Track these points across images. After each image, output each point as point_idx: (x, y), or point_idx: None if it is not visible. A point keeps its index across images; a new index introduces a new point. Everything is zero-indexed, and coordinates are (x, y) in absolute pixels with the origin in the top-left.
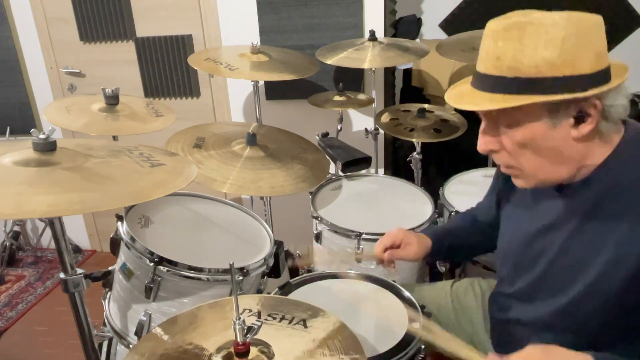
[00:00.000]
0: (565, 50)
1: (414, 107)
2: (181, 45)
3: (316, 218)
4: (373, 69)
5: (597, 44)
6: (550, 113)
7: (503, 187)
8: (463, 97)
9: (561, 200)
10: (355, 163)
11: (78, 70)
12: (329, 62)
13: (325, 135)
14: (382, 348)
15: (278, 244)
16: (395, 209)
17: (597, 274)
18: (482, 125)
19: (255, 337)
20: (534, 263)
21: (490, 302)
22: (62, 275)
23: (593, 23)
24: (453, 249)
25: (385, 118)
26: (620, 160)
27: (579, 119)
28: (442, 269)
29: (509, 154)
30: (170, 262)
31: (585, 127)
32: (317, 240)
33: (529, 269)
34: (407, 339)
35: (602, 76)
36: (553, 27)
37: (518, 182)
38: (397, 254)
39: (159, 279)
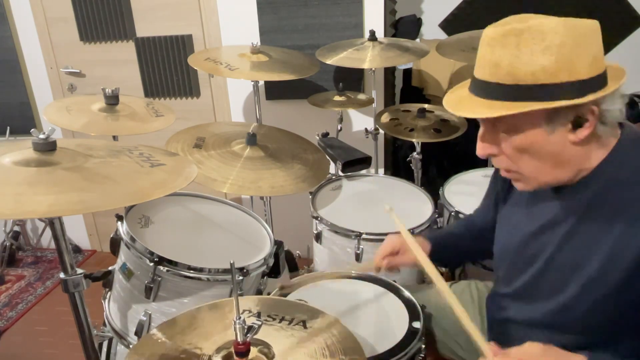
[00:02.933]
0: (562, 57)
1: (414, 107)
2: (181, 45)
3: (316, 218)
4: (373, 69)
5: (594, 49)
6: (548, 119)
7: (500, 189)
8: (461, 103)
9: (557, 202)
10: (355, 163)
11: (78, 70)
12: (329, 62)
13: (325, 135)
14: (382, 348)
15: (278, 244)
16: (395, 209)
17: (593, 274)
18: (481, 131)
19: (255, 337)
20: (530, 263)
21: (487, 302)
22: (62, 275)
23: (589, 28)
24: (452, 254)
25: (385, 118)
26: (615, 161)
27: (577, 124)
28: (442, 269)
29: (508, 159)
30: (170, 262)
31: (583, 132)
32: (317, 240)
33: (525, 269)
34: (407, 339)
35: (599, 81)
36: (549, 34)
37: (519, 185)
38: (395, 260)
39: (159, 279)
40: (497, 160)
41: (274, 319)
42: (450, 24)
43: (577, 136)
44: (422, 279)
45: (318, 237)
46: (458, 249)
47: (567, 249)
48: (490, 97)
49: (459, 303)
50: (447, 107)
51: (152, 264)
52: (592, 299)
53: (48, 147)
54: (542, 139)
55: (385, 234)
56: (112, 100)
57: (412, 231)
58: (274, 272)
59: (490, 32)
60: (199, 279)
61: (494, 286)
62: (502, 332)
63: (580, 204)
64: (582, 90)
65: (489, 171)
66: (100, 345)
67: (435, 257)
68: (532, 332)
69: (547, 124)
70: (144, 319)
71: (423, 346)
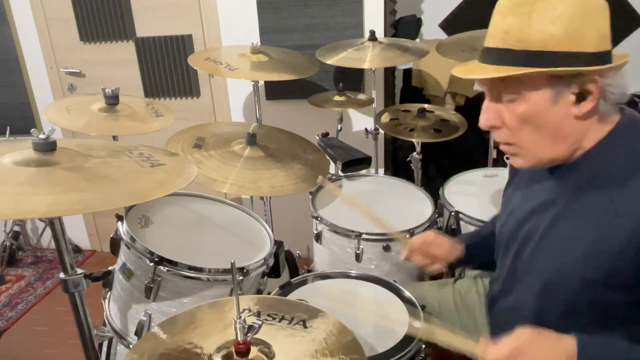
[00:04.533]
0: (571, 27)
1: (414, 107)
2: (181, 45)
3: (316, 218)
4: (373, 69)
5: (602, 26)
6: (552, 86)
7: (509, 177)
8: (471, 69)
9: (551, 182)
10: (355, 163)
11: (78, 70)
12: (329, 62)
13: (325, 135)
14: (382, 348)
15: (278, 244)
16: (395, 209)
17: (583, 255)
18: (485, 102)
19: (255, 336)
20: (524, 243)
21: (488, 291)
22: (62, 275)
23: (599, 4)
24: (485, 254)
25: (385, 118)
26: (611, 144)
27: (580, 98)
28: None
29: (509, 131)
30: (170, 262)
31: (586, 105)
32: (317, 240)
33: (518, 250)
34: (407, 339)
35: (605, 57)
36: (561, 5)
37: (516, 161)
38: (429, 248)
39: (159, 279)
40: (498, 132)
41: (274, 319)
42: (450, 24)
43: (580, 109)
44: (422, 278)
45: (318, 237)
46: (490, 247)
47: (558, 229)
48: (500, 63)
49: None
50: (456, 74)
51: (152, 264)
52: (582, 281)
53: (48, 147)
54: (545, 108)
55: (386, 234)
56: (112, 100)
57: (412, 231)
58: (274, 272)
59: (503, 2)
60: (199, 279)
61: (494, 273)
62: (498, 318)
63: (573, 185)
64: (587, 61)
65: (489, 171)
66: (100, 345)
67: (469, 258)
68: (527, 316)
69: (551, 91)
70: (144, 319)
71: (423, 346)
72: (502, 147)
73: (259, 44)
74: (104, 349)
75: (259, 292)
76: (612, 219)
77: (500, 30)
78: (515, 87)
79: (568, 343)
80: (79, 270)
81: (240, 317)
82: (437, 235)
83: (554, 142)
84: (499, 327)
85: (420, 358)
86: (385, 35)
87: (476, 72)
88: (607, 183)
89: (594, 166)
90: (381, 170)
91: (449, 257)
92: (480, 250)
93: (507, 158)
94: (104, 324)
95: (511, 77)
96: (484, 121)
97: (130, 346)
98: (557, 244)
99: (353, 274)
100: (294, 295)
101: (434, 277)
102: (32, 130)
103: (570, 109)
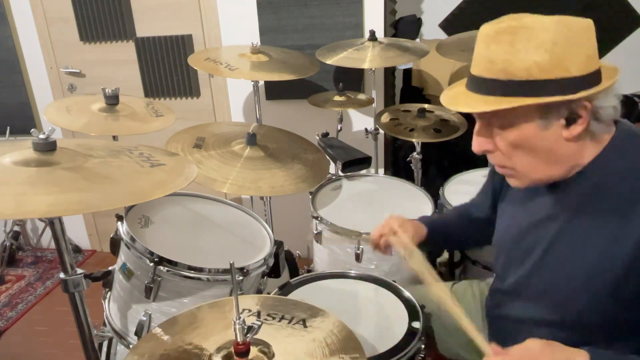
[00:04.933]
0: (555, 54)
1: (414, 107)
2: (181, 45)
3: (316, 218)
4: (373, 69)
5: (587, 48)
6: (541, 114)
7: (499, 185)
8: (457, 99)
9: (552, 196)
10: (355, 163)
11: (78, 70)
12: (329, 62)
13: (325, 135)
14: (382, 348)
15: (278, 244)
16: (395, 209)
17: (587, 269)
18: (476, 127)
19: (255, 337)
20: (525, 258)
21: (486, 299)
22: (62, 275)
23: (583, 27)
24: (447, 240)
25: (385, 118)
26: (609, 157)
27: (570, 120)
28: (442, 269)
29: (502, 155)
30: (170, 262)
31: (576, 128)
32: (317, 240)
33: (520, 264)
34: (407, 339)
35: (593, 78)
36: (543, 31)
37: (512, 182)
38: (391, 239)
39: (159, 279)
40: (492, 156)
41: (274, 318)
42: (450, 24)
43: (571, 132)
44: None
45: (318, 237)
46: (454, 236)
47: (561, 244)
48: (486, 93)
49: (458, 306)
50: (443, 103)
51: (152, 264)
52: (588, 294)
53: (48, 147)
54: (536, 134)
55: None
56: (112, 100)
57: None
58: (274, 272)
59: (485, 29)
60: (199, 279)
61: (492, 282)
62: (500, 329)
63: (574, 200)
64: (574, 87)
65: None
66: (100, 345)
67: (432, 242)
68: (530, 328)
69: (540, 120)
70: (144, 319)
71: (423, 346)
72: (498, 169)
73: (259, 44)
74: (104, 349)
75: (259, 292)
76: (617, 233)
77: (484, 59)
78: (503, 117)
79: (580, 357)
80: (79, 270)
81: (239, 318)
82: (401, 222)
83: (548, 164)
84: (500, 336)
85: (420, 358)
86: (385, 35)
87: (463, 103)
88: (609, 197)
89: (594, 181)
90: (381, 170)
91: (413, 242)
92: (442, 237)
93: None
94: (104, 324)
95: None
96: (476, 146)
97: (130, 346)
98: (562, 259)
99: (353, 274)
100: (293, 296)
101: None
102: (32, 130)
103: (561, 133)
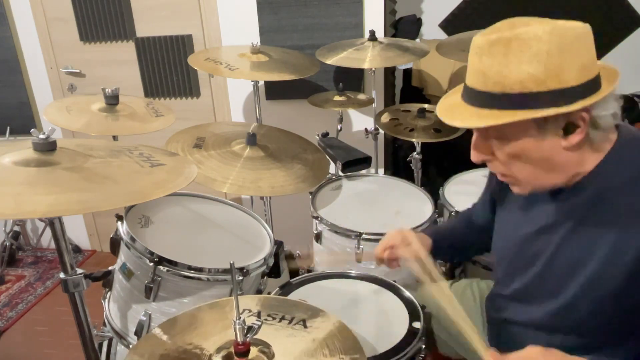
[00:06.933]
0: (549, 65)
1: (414, 107)
2: (181, 45)
3: (316, 218)
4: (373, 69)
5: (583, 55)
6: (538, 127)
7: (497, 190)
8: (453, 111)
9: (554, 204)
10: (355, 163)
11: (78, 70)
12: (329, 62)
13: (325, 135)
14: (382, 348)
15: (278, 244)
16: (395, 209)
17: (591, 276)
18: (474, 138)
19: (255, 337)
20: (529, 265)
21: (487, 302)
22: (62, 275)
23: (578, 34)
24: (452, 249)
25: (385, 118)
26: (612, 164)
27: (568, 130)
28: (442, 269)
29: (502, 164)
30: (170, 262)
31: (574, 138)
32: (317, 240)
33: (523, 271)
34: (407, 339)
35: (590, 86)
36: (537, 42)
37: (515, 189)
38: (396, 252)
39: (159, 279)
40: (492, 165)
41: (274, 319)
42: (450, 24)
43: (569, 142)
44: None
45: (318, 237)
46: (459, 244)
47: (565, 251)
48: (480, 106)
49: (461, 310)
50: (439, 115)
51: (152, 264)
52: (591, 301)
53: (48, 147)
54: (533, 145)
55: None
56: (112, 100)
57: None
58: (274, 272)
59: (478, 41)
60: (199, 279)
61: (493, 287)
62: (501, 333)
63: (577, 207)
64: (571, 98)
65: (489, 171)
66: (100, 345)
67: (437, 252)
68: (532, 333)
69: (537, 132)
70: (144, 319)
71: (423, 346)
72: (500, 178)
73: (259, 44)
74: (104, 349)
75: (259, 292)
76: (619, 241)
77: (478, 71)
78: (500, 130)
79: None
80: (79, 270)
81: (239, 318)
82: (404, 234)
83: (548, 172)
84: (500, 340)
85: (420, 358)
86: (385, 35)
87: (458, 117)
88: (613, 203)
89: (596, 190)
90: (381, 170)
91: (417, 255)
92: (447, 246)
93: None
94: (104, 324)
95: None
96: (474, 157)
97: (130, 346)
98: (567, 266)
99: (353, 274)
100: (294, 296)
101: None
102: (32, 130)
103: (559, 142)
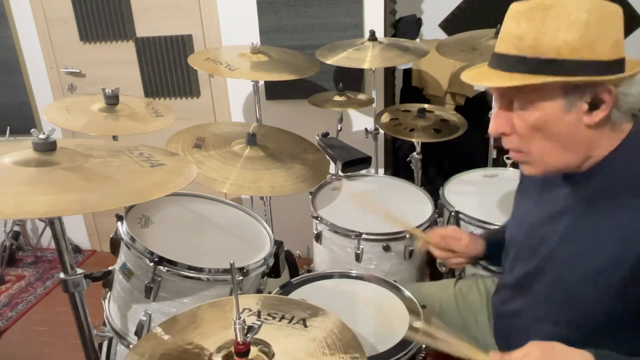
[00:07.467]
0: (586, 35)
1: (414, 107)
2: (181, 45)
3: (316, 218)
4: (373, 69)
5: (617, 33)
6: (565, 95)
7: (522, 175)
8: (481, 76)
9: (566, 189)
10: (355, 163)
11: (78, 70)
12: (329, 62)
13: (325, 135)
14: (382, 348)
15: (278, 244)
16: (395, 209)
17: (599, 265)
18: (496, 107)
19: (255, 336)
20: (535, 251)
21: (493, 297)
22: (62, 275)
23: (614, 11)
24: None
25: (385, 118)
26: (627, 152)
27: (593, 106)
28: (443, 269)
29: (519, 138)
30: (170, 262)
31: (599, 114)
32: (317, 240)
33: (529, 258)
34: (407, 339)
35: (619, 65)
36: (576, 11)
37: (526, 169)
38: (449, 243)
39: (159, 279)
40: (508, 140)
41: (274, 318)
42: (450, 24)
43: (592, 119)
44: (422, 278)
45: (318, 237)
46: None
47: (573, 238)
48: (511, 70)
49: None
50: (466, 80)
51: (152, 264)
52: (597, 291)
53: (48, 147)
54: (557, 117)
55: (386, 234)
56: (112, 100)
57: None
58: (274, 272)
59: (516, 6)
60: (199, 279)
61: (500, 278)
62: (506, 326)
63: (588, 194)
64: (602, 70)
65: (489, 171)
66: (100, 345)
67: (490, 256)
68: (536, 324)
69: (563, 101)
70: (144, 319)
71: (423, 346)
72: (512, 155)
73: (259, 44)
74: (104, 349)
75: (259, 292)
76: (627, 232)
77: (513, 36)
78: (528, 95)
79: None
80: (79, 270)
81: (239, 318)
82: (456, 230)
83: (564, 150)
84: (506, 333)
85: (421, 358)
86: (385, 35)
87: (488, 79)
88: (624, 193)
89: (609, 175)
90: (381, 170)
91: (468, 252)
92: (501, 249)
93: (508, 158)
94: (104, 324)
95: (525, 86)
96: (494, 128)
97: (130, 346)
98: (573, 254)
99: (353, 274)
100: (294, 295)
101: (434, 278)
102: (32, 130)
103: (582, 118)
